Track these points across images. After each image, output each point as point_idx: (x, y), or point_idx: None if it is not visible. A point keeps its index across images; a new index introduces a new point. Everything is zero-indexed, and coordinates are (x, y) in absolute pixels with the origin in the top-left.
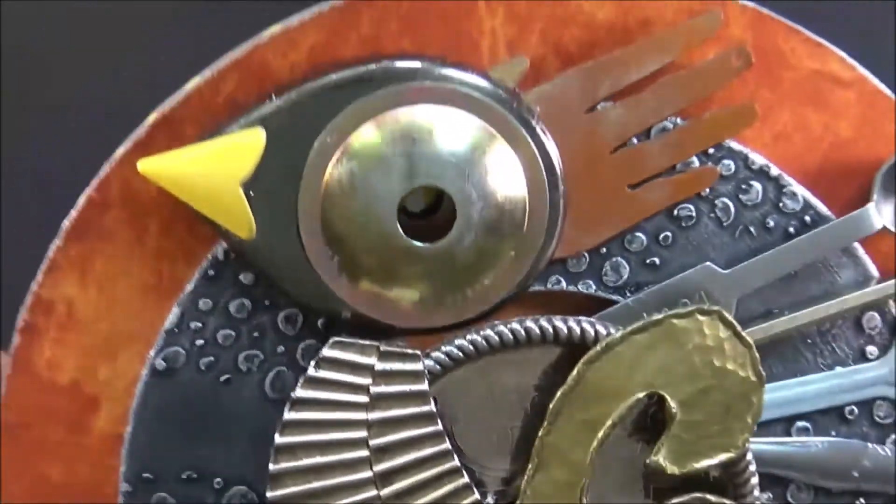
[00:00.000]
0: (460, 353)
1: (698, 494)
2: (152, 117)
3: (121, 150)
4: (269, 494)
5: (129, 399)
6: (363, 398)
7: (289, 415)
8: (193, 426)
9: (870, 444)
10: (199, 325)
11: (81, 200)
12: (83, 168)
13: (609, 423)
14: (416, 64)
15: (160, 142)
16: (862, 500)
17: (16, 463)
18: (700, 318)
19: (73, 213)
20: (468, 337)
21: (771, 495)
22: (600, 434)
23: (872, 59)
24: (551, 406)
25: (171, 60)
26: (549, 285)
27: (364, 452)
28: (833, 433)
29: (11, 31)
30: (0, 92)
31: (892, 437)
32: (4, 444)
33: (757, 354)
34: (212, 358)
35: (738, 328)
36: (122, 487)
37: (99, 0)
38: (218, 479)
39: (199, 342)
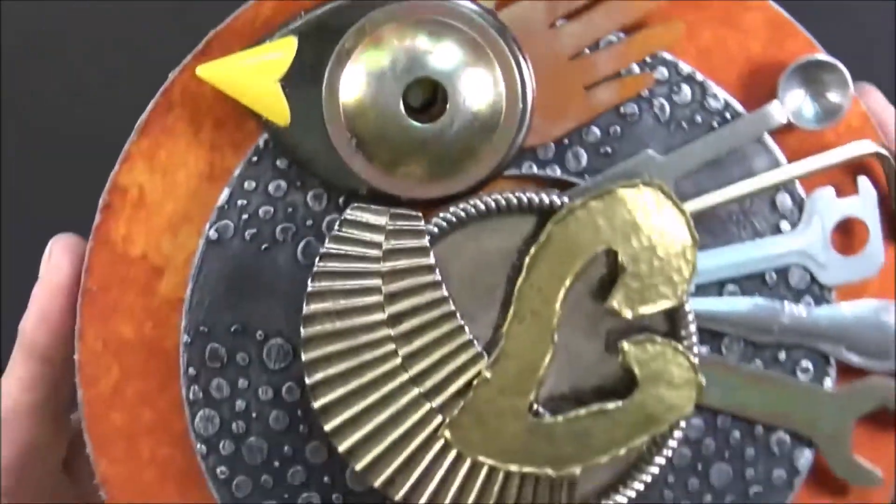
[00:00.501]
0: (453, 219)
1: (646, 335)
2: (209, 35)
3: (184, 61)
4: (302, 332)
5: (187, 268)
6: (377, 252)
7: (318, 266)
8: (240, 287)
9: (786, 304)
10: (245, 202)
11: (151, 103)
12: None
13: (573, 273)
14: None
15: (214, 54)
16: (784, 351)
17: (94, 322)
18: (643, 188)
19: (144, 113)
20: (460, 206)
21: (709, 347)
22: (567, 282)
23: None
24: (527, 260)
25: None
26: (523, 170)
27: (378, 298)
28: (757, 294)
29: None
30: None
31: (806, 297)
32: (85, 306)
33: (691, 220)
34: (255, 230)
35: (675, 198)
36: (182, 339)
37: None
38: (259, 332)
39: (244, 216)
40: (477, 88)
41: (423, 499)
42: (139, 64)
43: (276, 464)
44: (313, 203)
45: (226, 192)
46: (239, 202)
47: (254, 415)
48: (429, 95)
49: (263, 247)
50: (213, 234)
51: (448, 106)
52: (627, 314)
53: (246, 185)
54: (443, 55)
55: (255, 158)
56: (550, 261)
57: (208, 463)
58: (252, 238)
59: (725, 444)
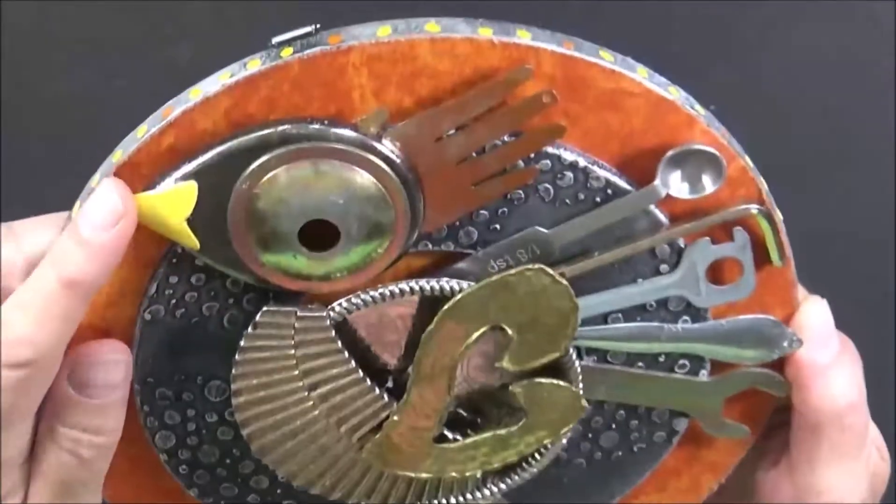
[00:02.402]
0: (355, 307)
1: (533, 379)
2: (118, 158)
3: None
4: (233, 401)
5: (130, 331)
6: (289, 342)
7: (238, 356)
8: (177, 349)
9: (665, 325)
10: (171, 291)
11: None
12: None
13: (466, 347)
14: (303, 128)
15: (125, 177)
16: (663, 354)
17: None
18: (527, 273)
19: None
20: (361, 296)
21: (595, 357)
22: (459, 354)
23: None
24: (423, 338)
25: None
26: (419, 247)
27: (296, 372)
28: (638, 318)
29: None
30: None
31: (682, 317)
32: None
33: (571, 290)
34: (183, 310)
35: (556, 275)
36: (134, 387)
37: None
38: (199, 377)
39: (173, 301)
40: (368, 215)
41: (337, 493)
42: (132, 64)
43: (228, 461)
44: (232, 287)
45: (154, 286)
46: (166, 291)
47: (203, 431)
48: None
49: (193, 320)
50: (147, 315)
51: (341, 239)
52: (516, 370)
53: (170, 279)
54: (334, 192)
55: (174, 259)
56: (444, 340)
57: (171, 465)
58: (182, 315)
59: (612, 419)
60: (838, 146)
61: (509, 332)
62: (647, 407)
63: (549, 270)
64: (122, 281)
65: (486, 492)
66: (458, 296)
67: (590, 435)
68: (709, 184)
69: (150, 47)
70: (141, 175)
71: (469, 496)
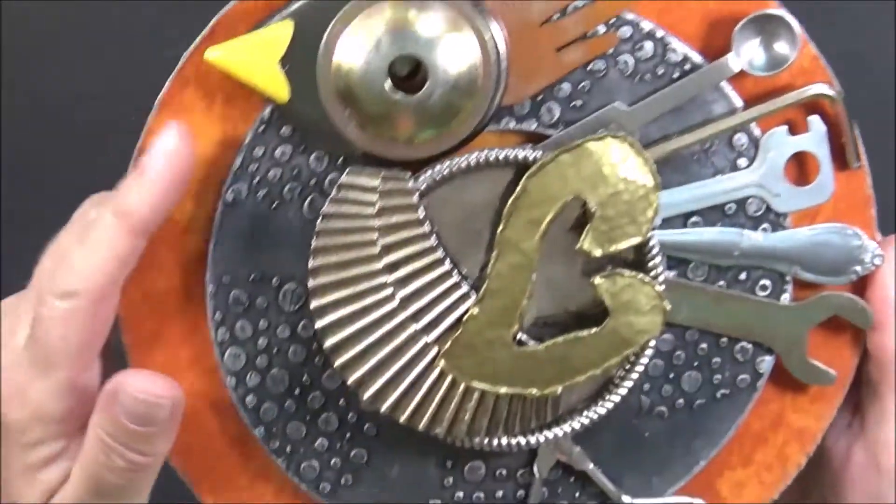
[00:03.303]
0: (439, 176)
1: (616, 269)
2: (215, 19)
3: (194, 43)
4: (310, 283)
5: (209, 226)
6: (371, 210)
7: (319, 225)
8: (255, 241)
9: (744, 231)
10: (255, 166)
11: (168, 82)
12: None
13: (547, 220)
14: None
15: (219, 37)
16: (744, 272)
17: (132, 275)
18: (610, 140)
19: (163, 91)
20: (444, 163)
21: (676, 272)
22: (542, 228)
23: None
24: (505, 210)
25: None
26: (502, 125)
27: (375, 250)
28: (718, 224)
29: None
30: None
31: (763, 225)
32: None
33: (654, 166)
34: (265, 190)
35: (639, 146)
36: (208, 289)
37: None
38: (275, 279)
39: (256, 179)
40: (455, 58)
41: (425, 419)
42: (143, 53)
43: (297, 391)
44: (315, 165)
45: (238, 159)
46: (250, 167)
47: (274, 350)
48: (414, 65)
49: (274, 205)
50: (229, 196)
51: (429, 78)
52: (597, 253)
53: (255, 151)
54: (423, 31)
55: (261, 128)
56: (526, 210)
57: (238, 393)
58: (263, 198)
59: (694, 354)
60: None
61: (591, 205)
62: (730, 339)
63: (633, 139)
64: (207, 165)
65: (567, 427)
66: (541, 160)
67: (671, 375)
68: (784, 50)
69: (150, 47)
70: (238, 32)
71: (548, 433)
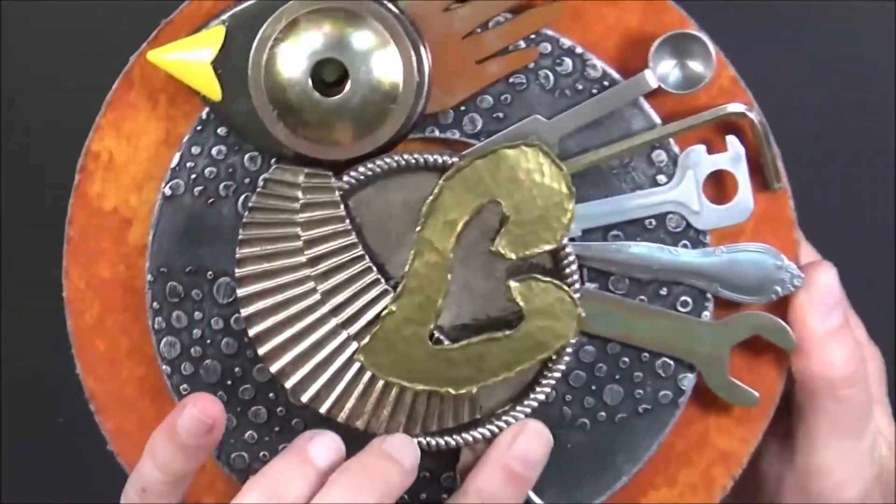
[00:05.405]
0: (362, 176)
1: (531, 275)
2: (160, 25)
3: (141, 48)
4: (236, 272)
5: (150, 218)
6: (295, 205)
7: (246, 217)
8: (191, 235)
9: (665, 246)
10: (193, 164)
11: (115, 83)
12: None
13: (463, 221)
14: None
15: (163, 41)
16: (665, 287)
17: (77, 264)
18: (525, 149)
19: (111, 92)
20: (368, 165)
21: (597, 284)
22: (458, 229)
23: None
24: (423, 210)
25: None
26: (426, 133)
27: (298, 244)
28: (638, 238)
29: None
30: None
31: (683, 241)
32: (69, 251)
33: (569, 175)
34: (202, 187)
35: (553, 156)
36: (147, 278)
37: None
38: (210, 272)
39: (193, 176)
40: (376, 65)
41: (345, 412)
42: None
43: (229, 382)
44: (249, 164)
45: (177, 156)
46: (188, 164)
47: (208, 341)
48: (341, 73)
49: (210, 201)
50: (167, 191)
51: (349, 81)
52: (511, 256)
53: (193, 149)
54: (347, 39)
55: (199, 127)
56: (443, 212)
57: (173, 381)
58: (200, 194)
59: (616, 367)
60: (838, 146)
61: (506, 209)
62: (651, 353)
63: (547, 149)
64: (150, 161)
65: (486, 430)
66: (458, 164)
67: (594, 387)
68: (699, 69)
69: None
70: (181, 37)
71: (466, 435)
